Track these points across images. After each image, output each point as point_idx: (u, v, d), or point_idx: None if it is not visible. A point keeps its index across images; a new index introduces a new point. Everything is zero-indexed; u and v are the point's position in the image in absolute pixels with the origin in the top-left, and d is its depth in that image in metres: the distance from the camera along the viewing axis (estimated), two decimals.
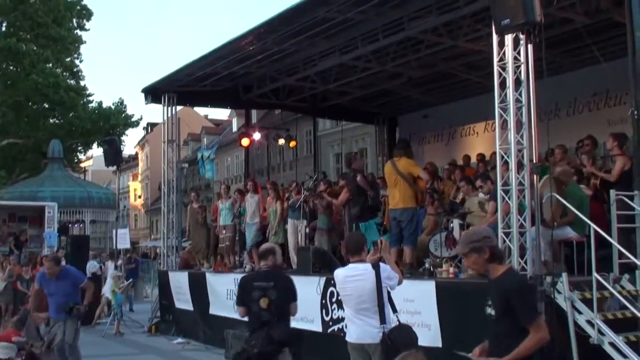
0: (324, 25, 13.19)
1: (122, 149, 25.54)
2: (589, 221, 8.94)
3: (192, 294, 16.00)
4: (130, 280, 21.02)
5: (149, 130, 70.28)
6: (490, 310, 4.80)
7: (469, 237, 4.97)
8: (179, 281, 16.71)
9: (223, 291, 14.51)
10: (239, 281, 7.42)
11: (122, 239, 22.34)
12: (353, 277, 6.54)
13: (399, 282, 6.64)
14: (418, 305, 9.44)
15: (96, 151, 46.26)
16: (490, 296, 4.82)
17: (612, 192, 9.12)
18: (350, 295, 6.56)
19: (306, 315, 11.26)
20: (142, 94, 17.74)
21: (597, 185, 10.53)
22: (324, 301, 11.43)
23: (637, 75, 9.00)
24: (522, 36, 8.80)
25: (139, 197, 78.42)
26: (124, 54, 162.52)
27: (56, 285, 10.02)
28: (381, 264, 6.51)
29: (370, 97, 19.35)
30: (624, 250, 8.53)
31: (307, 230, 13.57)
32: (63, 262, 11.97)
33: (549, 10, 10.74)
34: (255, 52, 14.90)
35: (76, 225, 31.29)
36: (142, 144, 75.83)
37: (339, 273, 6.81)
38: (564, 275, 8.31)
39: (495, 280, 4.78)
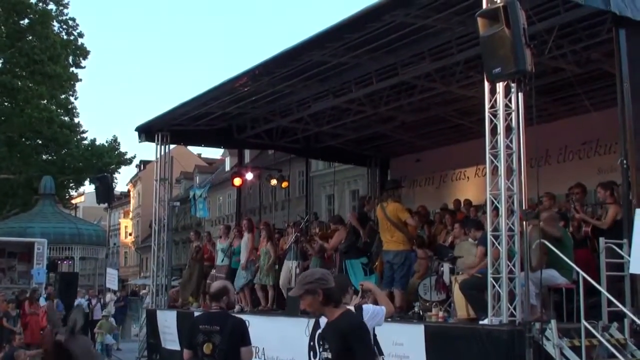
0: (318, 69, 13.36)
1: (114, 186, 25.53)
2: (577, 268, 8.99)
3: (179, 334, 15.88)
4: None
5: (142, 168, 70.27)
6: (327, 355, 4.81)
7: (303, 279, 4.96)
8: (167, 320, 16.58)
9: None
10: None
11: (111, 280, 22.24)
12: None
13: (389, 315, 6.57)
14: (407, 349, 9.42)
15: (88, 188, 46.21)
16: (327, 339, 4.83)
17: (602, 240, 9.19)
18: None
19: (294, 357, 11.21)
20: (136, 132, 17.79)
21: (588, 232, 10.59)
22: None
23: (626, 125, 9.12)
24: (513, 84, 8.93)
25: (130, 234, 78.07)
26: (120, 91, 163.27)
27: None
28: (364, 306, 6.46)
29: (363, 139, 19.48)
30: (612, 299, 8.56)
31: (298, 270, 13.56)
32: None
33: (541, 59, 10.95)
34: (250, 93, 15.04)
35: (65, 261, 31.08)
36: (134, 181, 75.77)
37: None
38: (553, 322, 8.33)
39: (332, 323, 4.80)
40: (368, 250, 12.98)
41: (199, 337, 6.44)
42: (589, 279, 8.63)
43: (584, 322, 8.24)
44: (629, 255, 8.47)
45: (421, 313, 10.70)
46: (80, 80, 36.46)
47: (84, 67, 36.47)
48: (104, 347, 18.20)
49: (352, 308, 6.36)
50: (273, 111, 16.99)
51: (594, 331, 8.31)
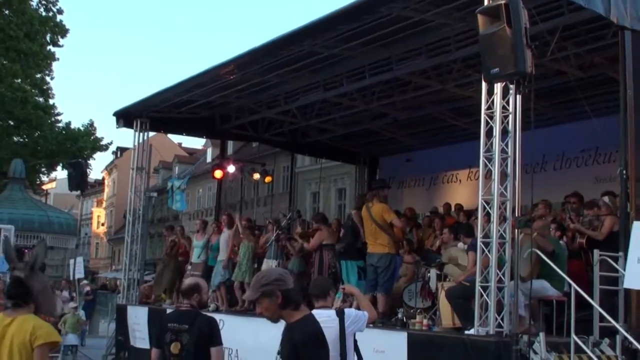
0: (309, 59, 13.35)
1: (88, 173, 25.34)
2: (569, 279, 9.04)
3: (150, 332, 15.83)
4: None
5: (118, 155, 69.85)
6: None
7: (258, 281, 4.73)
8: (137, 317, 16.53)
9: None
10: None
11: (78, 269, 22.05)
12: None
13: (371, 320, 6.60)
14: (388, 356, 9.44)
15: (60, 173, 45.93)
16: (281, 343, 4.73)
17: (596, 252, 9.24)
18: None
19: None
20: (114, 117, 17.71)
21: (582, 243, 10.64)
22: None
23: (627, 134, 9.16)
24: (511, 86, 8.97)
25: (102, 224, 77.71)
26: (99, 74, 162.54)
27: None
28: (346, 310, 6.48)
29: (353, 136, 19.50)
30: (604, 314, 8.61)
31: None
32: None
33: (542, 61, 10.99)
34: (236, 82, 15.01)
35: (33, 250, 30.83)
36: (109, 168, 75.44)
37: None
38: (542, 334, 8.37)
39: (288, 327, 4.67)
40: (365, 253, 12.96)
41: (167, 336, 6.41)
42: (581, 292, 8.68)
43: (574, 337, 8.29)
44: (624, 269, 8.51)
45: (405, 320, 10.74)
46: (58, 59, 36.20)
47: (62, 46, 36.19)
48: (66, 349, 17.50)
49: (333, 311, 6.40)
50: (259, 102, 16.97)
51: (584, 347, 8.36)
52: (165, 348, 6.43)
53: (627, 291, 8.70)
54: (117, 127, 17.85)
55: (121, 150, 67.92)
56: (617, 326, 8.64)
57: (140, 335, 16.22)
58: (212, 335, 6.39)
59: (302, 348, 4.52)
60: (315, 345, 4.65)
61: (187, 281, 7.01)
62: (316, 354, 4.64)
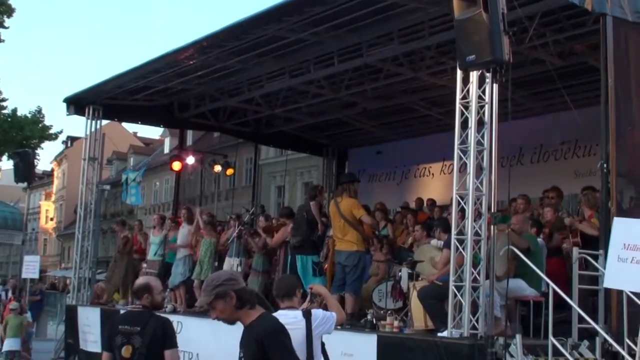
0: (274, 44, 13.30)
1: (35, 163, 25.06)
2: (547, 278, 9.12)
3: (102, 335, 15.70)
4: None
5: (69, 145, 69.22)
6: None
7: (209, 284, 4.79)
8: (89, 318, 16.37)
9: None
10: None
11: (30, 268, 21.75)
12: None
13: (340, 322, 6.60)
14: None
15: (5, 164, 45.43)
16: (243, 345, 4.77)
17: (575, 250, 9.32)
18: None
19: None
20: (64, 104, 17.50)
21: (578, 242, 10.63)
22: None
23: (609, 125, 9.23)
24: (488, 74, 9.01)
25: (51, 219, 76.95)
26: (49, 58, 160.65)
27: None
28: (313, 311, 6.47)
29: (320, 126, 19.51)
30: (584, 315, 8.69)
31: (240, 269, 13.49)
32: None
33: (520, 48, 11.06)
34: (196, 67, 14.91)
35: None
36: (59, 159, 74.65)
37: None
38: (518, 337, 8.43)
39: (248, 327, 4.72)
40: (321, 247, 12.97)
41: (118, 339, 6.36)
42: (559, 291, 8.75)
43: (551, 339, 8.36)
44: (604, 268, 8.60)
45: (374, 322, 10.74)
46: (3, 41, 35.73)
47: (8, 28, 35.66)
48: (7, 356, 17.13)
49: (299, 312, 6.39)
50: (221, 89, 16.89)
51: (562, 349, 8.43)
52: (116, 352, 6.37)
53: (607, 291, 8.79)
54: (67, 115, 17.60)
55: (72, 139, 67.28)
56: (597, 327, 8.72)
57: (91, 338, 16.07)
58: (165, 337, 6.35)
59: (267, 339, 4.55)
60: (281, 334, 4.69)
61: (139, 280, 7.00)
62: (282, 343, 4.66)
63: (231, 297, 4.63)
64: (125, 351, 6.29)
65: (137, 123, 24.52)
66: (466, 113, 9.24)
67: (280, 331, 4.78)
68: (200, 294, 4.93)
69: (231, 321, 4.79)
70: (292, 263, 12.36)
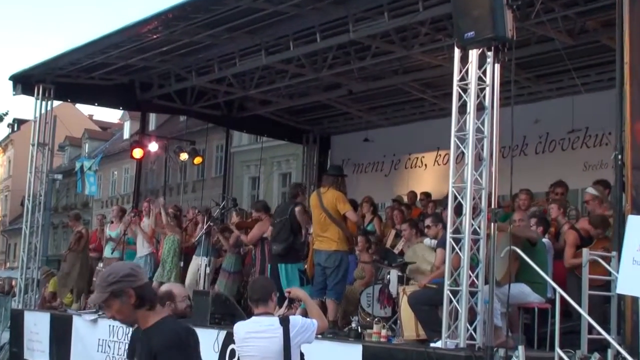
0: (248, 17, 13.25)
1: None
2: (553, 283, 9.13)
3: (51, 342, 15.61)
4: None
5: (15, 129, 68.95)
6: None
7: (105, 279, 4.58)
8: (37, 324, 16.28)
9: (93, 341, 14.21)
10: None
11: None
12: (256, 333, 6.44)
13: (321, 330, 6.58)
14: None
15: None
16: (136, 354, 4.71)
17: (585, 251, 9.30)
18: (253, 356, 6.47)
19: None
20: (10, 82, 17.39)
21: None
22: None
23: (624, 112, 9.19)
24: (489, 53, 8.98)
25: None
26: None
27: None
28: (291, 317, 6.45)
29: (300, 110, 19.49)
30: (594, 324, 8.69)
31: (208, 270, 13.45)
32: None
33: (525, 24, 11.07)
34: (160, 43, 14.83)
35: None
36: (4, 144, 74.43)
37: (240, 328, 6.69)
38: (521, 348, 8.43)
39: (144, 333, 4.61)
40: (306, 253, 12.85)
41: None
42: (567, 297, 8.76)
43: (558, 351, 8.37)
44: (617, 272, 8.60)
45: (360, 330, 10.73)
46: None
47: None
48: None
49: (276, 319, 6.36)
50: (188, 67, 16.81)
51: None
52: None
53: (621, 298, 8.80)
54: (13, 95, 17.58)
55: (19, 122, 67.02)
56: (609, 338, 8.72)
57: (39, 347, 15.99)
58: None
59: (163, 356, 4.45)
60: (179, 349, 4.54)
61: (161, 288, 7.30)
62: None
63: (129, 295, 4.46)
64: None
65: (93, 104, 24.35)
66: (464, 96, 9.22)
67: (180, 346, 4.60)
68: (95, 290, 4.80)
69: (130, 322, 4.68)
70: (274, 272, 12.28)
